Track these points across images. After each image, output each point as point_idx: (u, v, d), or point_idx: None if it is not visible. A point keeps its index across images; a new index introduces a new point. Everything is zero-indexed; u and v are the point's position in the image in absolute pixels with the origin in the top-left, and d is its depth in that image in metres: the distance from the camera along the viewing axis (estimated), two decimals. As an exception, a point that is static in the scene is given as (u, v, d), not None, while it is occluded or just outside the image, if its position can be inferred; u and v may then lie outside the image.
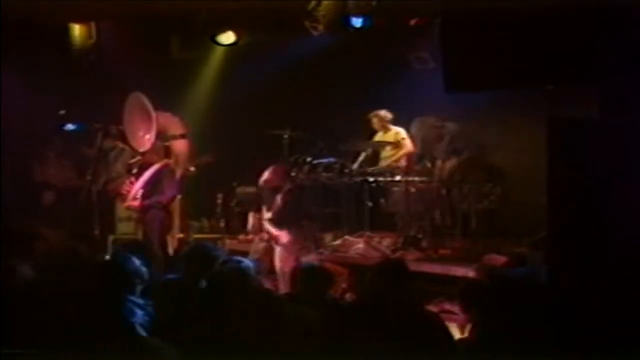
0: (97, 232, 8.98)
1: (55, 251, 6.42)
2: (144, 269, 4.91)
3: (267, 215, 8.43)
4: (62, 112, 9.75)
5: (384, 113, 9.86)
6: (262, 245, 8.55)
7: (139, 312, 4.52)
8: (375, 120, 9.91)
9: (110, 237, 9.51)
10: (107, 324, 4.37)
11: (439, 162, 9.50)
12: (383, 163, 9.87)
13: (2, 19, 8.09)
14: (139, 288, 4.74)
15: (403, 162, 9.75)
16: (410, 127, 9.90)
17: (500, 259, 7.90)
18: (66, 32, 9.70)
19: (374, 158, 9.96)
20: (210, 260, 5.58)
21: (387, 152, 9.88)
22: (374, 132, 10.02)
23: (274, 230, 8.33)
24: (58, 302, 4.79)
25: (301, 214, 8.67)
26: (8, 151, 9.53)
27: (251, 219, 8.68)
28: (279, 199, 8.44)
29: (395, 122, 9.94)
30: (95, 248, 8.28)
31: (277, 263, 8.17)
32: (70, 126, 9.52)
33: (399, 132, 9.86)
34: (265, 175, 8.54)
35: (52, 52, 9.65)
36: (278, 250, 8.31)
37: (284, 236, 8.27)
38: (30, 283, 5.11)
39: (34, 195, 10.19)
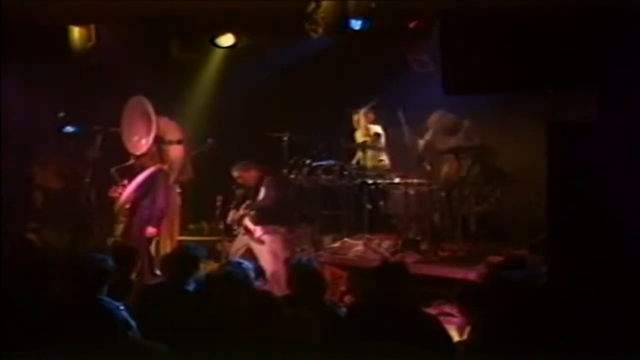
0: (95, 233, 8.98)
1: (53, 253, 6.42)
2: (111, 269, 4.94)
3: (247, 211, 8.52)
4: (62, 114, 9.74)
5: (367, 111, 9.85)
6: (240, 245, 8.59)
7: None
8: (356, 118, 9.91)
9: (110, 239, 9.50)
10: (104, 326, 4.37)
11: (445, 165, 9.46)
12: (365, 163, 9.82)
13: (1, 20, 8.09)
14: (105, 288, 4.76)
15: (387, 161, 9.76)
16: (410, 127, 9.87)
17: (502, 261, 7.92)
18: (65, 34, 9.69)
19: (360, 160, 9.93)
20: (192, 261, 5.63)
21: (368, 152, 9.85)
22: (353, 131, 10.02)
23: (250, 225, 8.42)
24: (56, 304, 4.79)
25: (288, 209, 8.74)
26: (6, 153, 9.52)
27: (231, 215, 8.72)
28: (262, 193, 8.54)
29: (394, 123, 9.91)
30: (93, 250, 8.29)
31: (264, 265, 8.23)
32: (69, 128, 9.51)
33: (377, 132, 9.85)
34: (236, 173, 8.65)
35: (51, 54, 9.63)
36: (263, 251, 8.35)
37: (258, 231, 8.37)
38: (29, 284, 5.11)
39: (33, 197, 10.17)
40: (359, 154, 9.83)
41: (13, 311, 4.65)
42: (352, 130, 10.04)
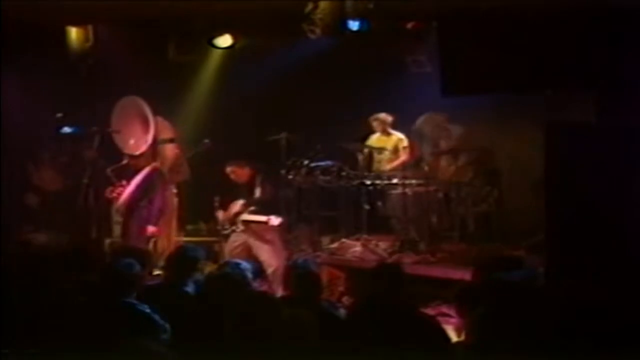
0: (93, 235, 8.96)
1: (53, 254, 6.41)
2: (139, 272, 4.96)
3: (243, 207, 8.52)
4: (59, 115, 9.73)
5: (385, 116, 9.86)
6: (237, 244, 8.57)
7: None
8: (375, 124, 9.91)
9: (107, 240, 9.50)
10: (106, 327, 4.37)
11: (442, 163, 9.49)
12: (378, 166, 9.85)
13: (1, 21, 8.08)
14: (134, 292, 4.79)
15: (399, 168, 9.76)
16: (408, 129, 9.90)
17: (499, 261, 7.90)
18: (63, 35, 9.68)
19: (369, 160, 9.95)
20: (191, 262, 5.62)
21: (384, 155, 9.86)
22: (369, 134, 10.03)
23: (262, 217, 8.38)
24: (57, 306, 4.79)
25: (284, 205, 8.75)
26: (4, 154, 9.51)
27: (221, 215, 8.72)
28: (257, 192, 8.53)
29: (393, 125, 9.93)
30: (92, 251, 8.28)
31: (266, 261, 8.21)
32: (67, 129, 9.50)
33: (402, 139, 9.85)
34: (229, 168, 8.66)
35: (49, 55, 9.62)
36: (263, 248, 8.34)
37: (274, 219, 8.33)
38: (29, 285, 5.11)
39: (30, 199, 10.16)
40: (375, 157, 9.86)
41: (12, 312, 4.66)
42: (366, 134, 10.05)
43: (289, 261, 7.54)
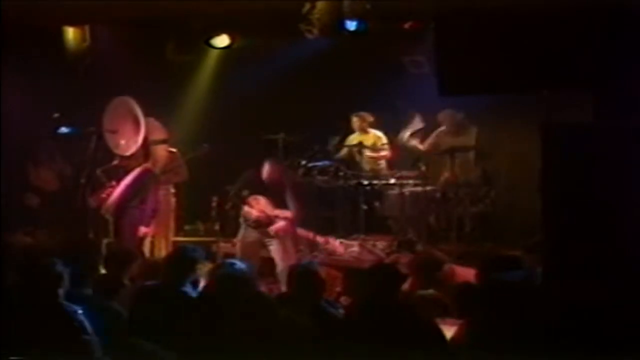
0: (91, 235, 8.95)
1: (50, 256, 6.39)
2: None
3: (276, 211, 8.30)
4: (56, 115, 9.71)
5: (366, 114, 9.90)
6: (250, 240, 8.42)
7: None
8: (355, 120, 9.95)
9: (104, 241, 9.48)
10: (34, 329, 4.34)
11: (440, 163, 9.51)
12: (363, 165, 9.87)
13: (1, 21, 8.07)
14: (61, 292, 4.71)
15: (383, 165, 9.79)
16: (405, 129, 9.91)
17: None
18: (61, 35, 9.67)
19: (352, 158, 9.98)
20: (189, 263, 5.59)
21: (363, 154, 9.89)
22: (350, 132, 10.05)
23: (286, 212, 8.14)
24: (55, 306, 4.78)
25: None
26: (2, 153, 9.49)
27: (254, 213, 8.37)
28: (289, 199, 8.25)
29: (389, 126, 9.94)
30: (89, 252, 8.26)
31: (278, 262, 8.09)
32: (64, 129, 9.48)
33: (380, 136, 9.89)
34: (266, 170, 8.25)
35: (46, 55, 9.61)
36: (277, 247, 8.20)
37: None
38: (25, 286, 5.10)
39: (27, 199, 10.14)
40: (356, 156, 9.86)
41: (14, 312, 4.65)
42: (348, 133, 10.07)
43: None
